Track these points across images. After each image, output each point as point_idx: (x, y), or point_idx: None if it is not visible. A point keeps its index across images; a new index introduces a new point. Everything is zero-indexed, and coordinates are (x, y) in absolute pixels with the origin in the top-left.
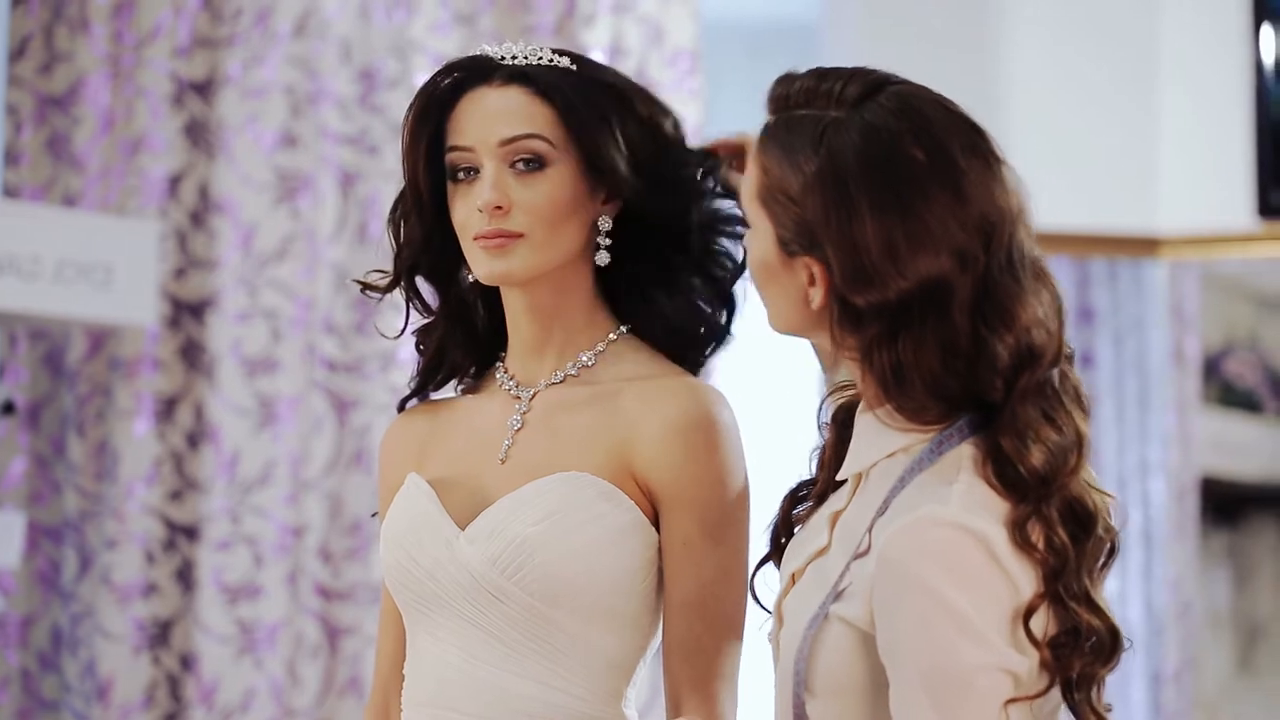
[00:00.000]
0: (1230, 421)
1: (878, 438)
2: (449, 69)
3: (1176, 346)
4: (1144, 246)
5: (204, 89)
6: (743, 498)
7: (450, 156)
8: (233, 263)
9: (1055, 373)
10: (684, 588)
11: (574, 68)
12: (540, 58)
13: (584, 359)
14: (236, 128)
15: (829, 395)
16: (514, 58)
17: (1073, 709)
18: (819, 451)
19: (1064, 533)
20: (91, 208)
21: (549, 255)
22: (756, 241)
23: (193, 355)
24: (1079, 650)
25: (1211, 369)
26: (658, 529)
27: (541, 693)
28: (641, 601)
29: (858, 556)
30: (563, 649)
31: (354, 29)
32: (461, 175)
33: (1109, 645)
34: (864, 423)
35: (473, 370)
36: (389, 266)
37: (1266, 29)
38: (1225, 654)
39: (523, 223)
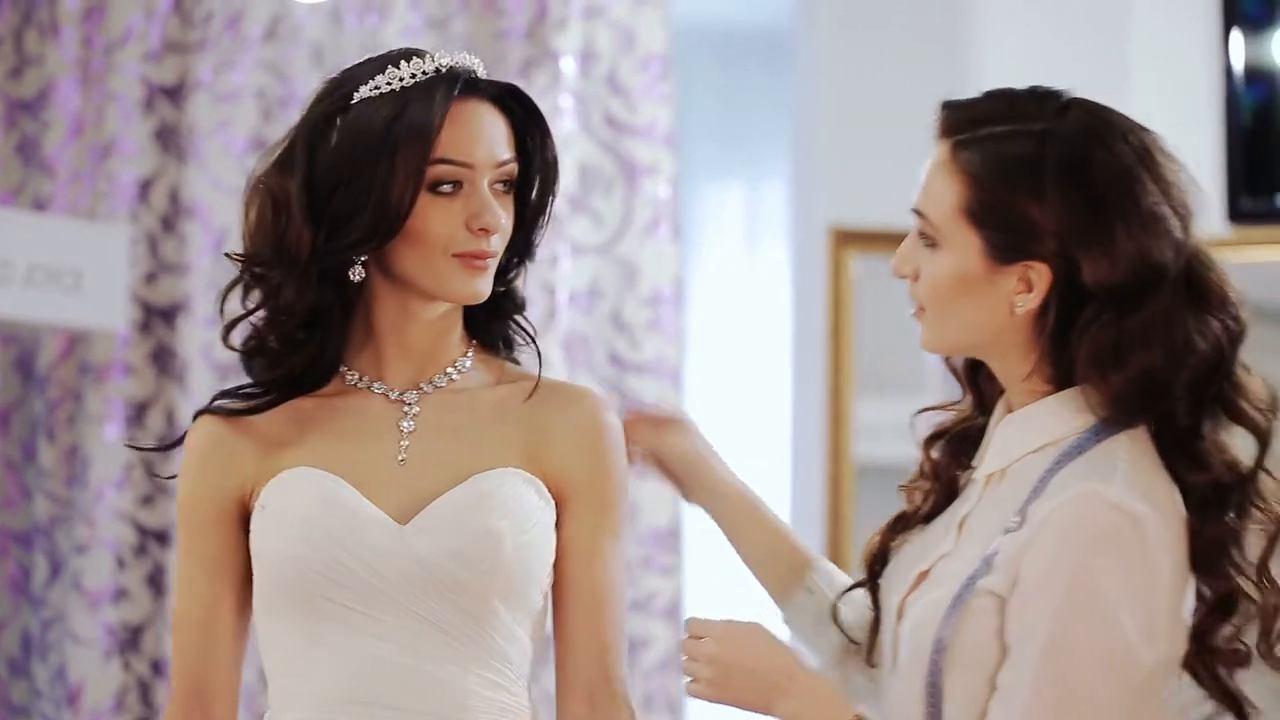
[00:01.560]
0: None
1: (1031, 431)
2: (453, 76)
3: None
4: None
5: (175, 93)
6: (627, 495)
7: (442, 169)
8: (203, 267)
9: (1238, 369)
10: (590, 587)
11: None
12: (484, 73)
13: (463, 363)
14: (207, 132)
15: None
16: (476, 71)
17: (1215, 692)
18: (922, 477)
19: (1234, 513)
20: (62, 212)
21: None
22: (953, 258)
23: (164, 360)
24: (1231, 625)
25: None
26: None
27: (483, 686)
28: (547, 599)
29: (1008, 531)
30: (502, 643)
31: (325, 33)
32: (448, 188)
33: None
34: (1015, 420)
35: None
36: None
37: (1236, 34)
38: None
39: (496, 244)
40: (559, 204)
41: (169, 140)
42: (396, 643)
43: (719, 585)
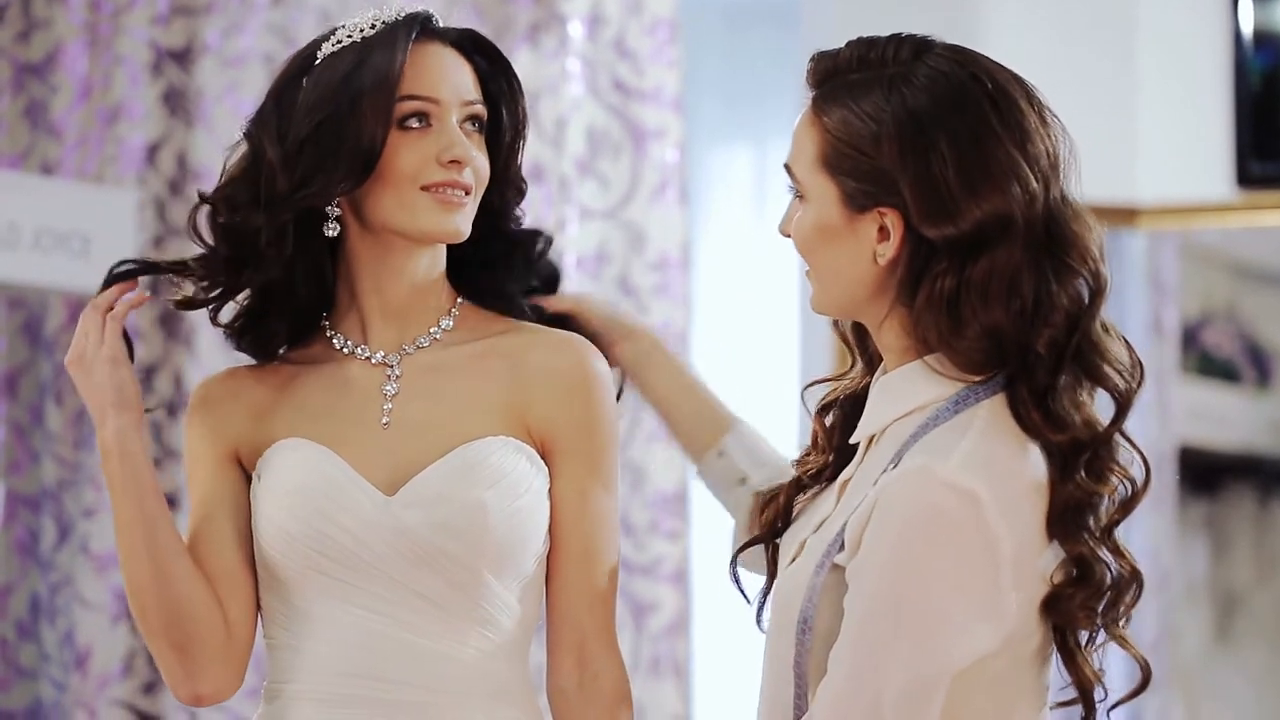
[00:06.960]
0: (1208, 391)
1: (897, 396)
2: (410, 20)
3: (1155, 316)
4: (1122, 216)
5: (182, 57)
6: (618, 445)
7: (409, 105)
8: None
9: (1096, 328)
10: (582, 538)
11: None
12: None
13: (445, 323)
14: (215, 96)
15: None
16: (434, 18)
17: (1066, 660)
18: (812, 448)
19: (1090, 475)
20: (69, 176)
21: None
22: (815, 208)
23: (171, 324)
24: (1085, 592)
25: (1190, 339)
26: None
27: (476, 657)
28: (543, 564)
29: (858, 508)
30: (494, 613)
31: None
32: (415, 124)
33: (1124, 585)
34: (882, 384)
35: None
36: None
37: None
38: (1203, 624)
39: (469, 178)
40: (566, 167)
41: (177, 104)
42: (387, 615)
43: (726, 549)
